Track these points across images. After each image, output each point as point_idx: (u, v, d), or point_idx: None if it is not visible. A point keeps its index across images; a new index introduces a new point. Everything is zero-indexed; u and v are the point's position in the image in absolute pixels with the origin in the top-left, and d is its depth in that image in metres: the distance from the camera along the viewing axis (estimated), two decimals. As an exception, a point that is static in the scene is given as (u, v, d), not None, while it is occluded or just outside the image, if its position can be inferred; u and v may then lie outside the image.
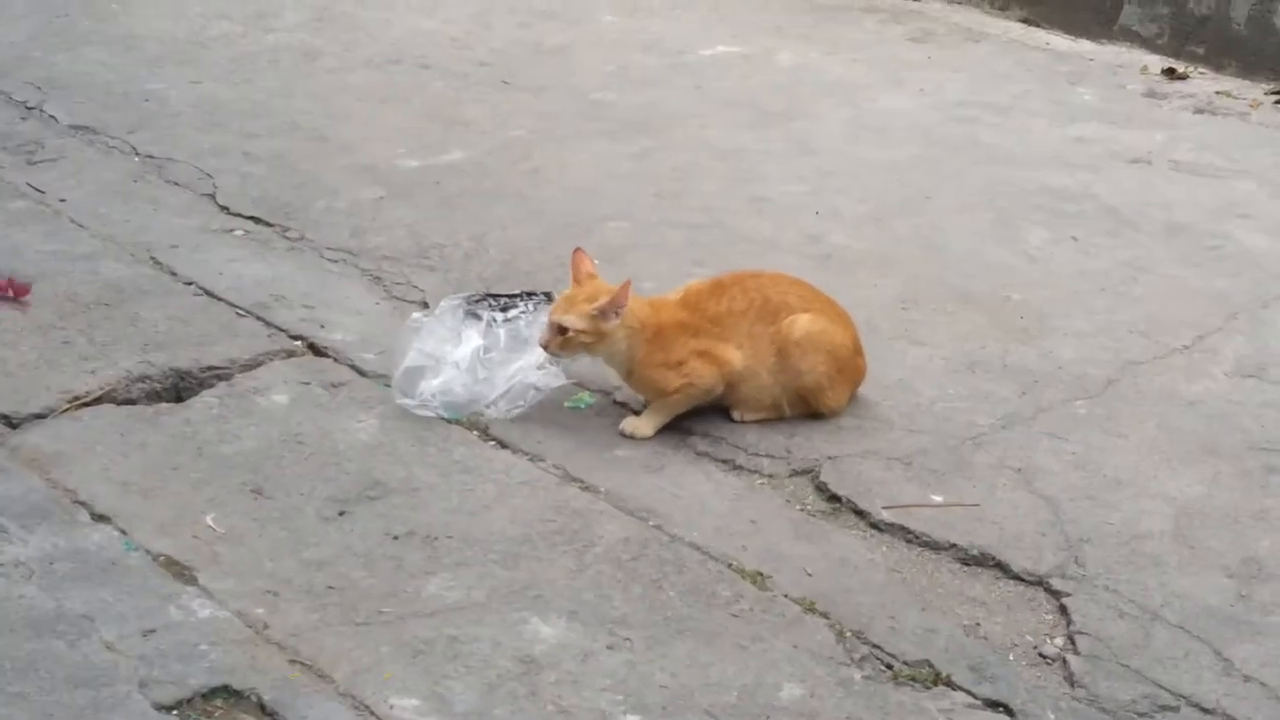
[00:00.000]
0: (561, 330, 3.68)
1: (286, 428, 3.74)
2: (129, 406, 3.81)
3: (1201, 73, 6.73)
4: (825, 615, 3.18)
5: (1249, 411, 4.00)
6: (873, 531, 3.49)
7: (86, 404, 3.78)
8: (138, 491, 3.46)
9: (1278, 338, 4.40)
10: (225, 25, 6.78)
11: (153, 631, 3.00)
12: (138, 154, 5.35)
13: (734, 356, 3.77)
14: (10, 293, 4.24)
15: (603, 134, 5.76)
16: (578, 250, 3.83)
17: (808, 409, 3.85)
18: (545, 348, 3.73)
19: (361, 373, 4.00)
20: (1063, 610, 3.24)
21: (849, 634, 3.13)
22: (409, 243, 4.75)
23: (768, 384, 3.80)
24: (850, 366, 3.86)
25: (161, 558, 3.23)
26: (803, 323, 3.78)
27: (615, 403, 3.94)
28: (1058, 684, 3.04)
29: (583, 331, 3.68)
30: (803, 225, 5.02)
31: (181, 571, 3.20)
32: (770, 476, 3.67)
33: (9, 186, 5.01)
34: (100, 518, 3.35)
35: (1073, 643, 3.14)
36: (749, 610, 3.18)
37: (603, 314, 3.67)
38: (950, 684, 3.02)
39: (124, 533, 3.30)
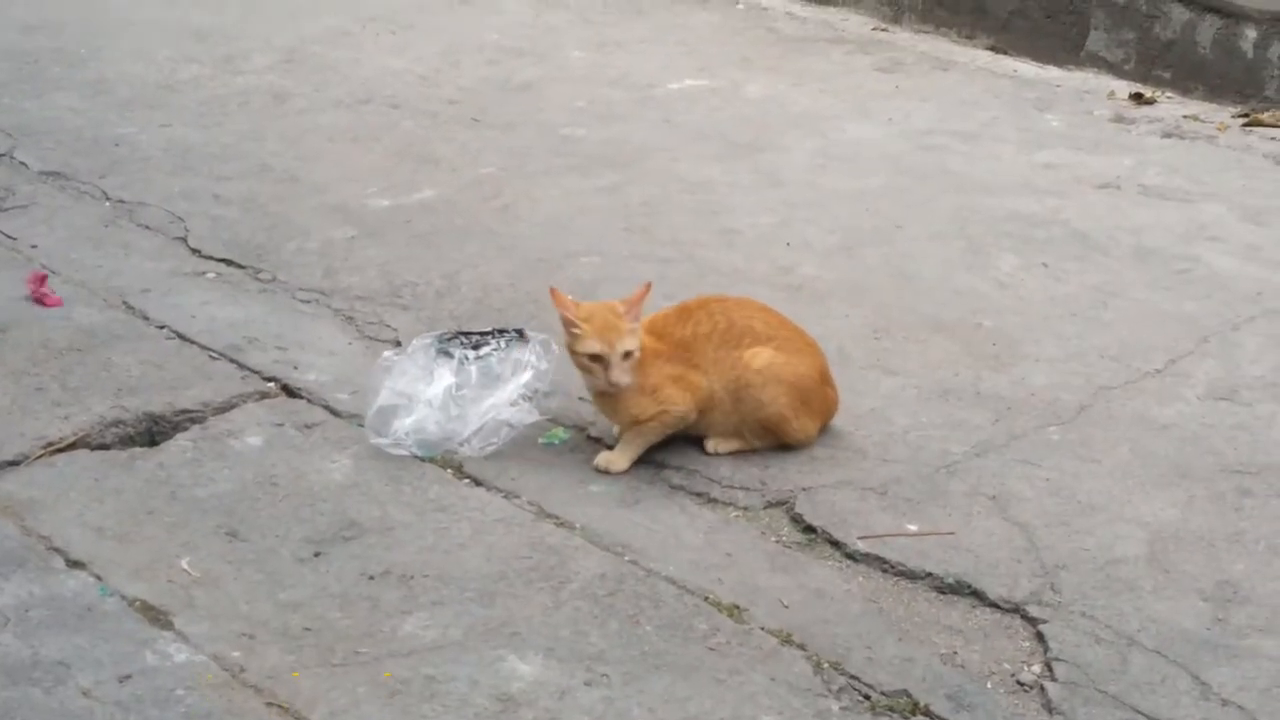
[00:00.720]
0: (627, 355, 3.66)
1: (261, 469, 3.73)
2: (103, 451, 3.80)
3: (1169, 97, 6.77)
4: (802, 647, 3.18)
5: (1221, 434, 4.02)
6: (848, 562, 3.49)
7: (60, 450, 3.77)
8: (113, 536, 3.45)
9: (1249, 360, 4.42)
10: (194, 68, 6.79)
11: (129, 677, 2.99)
12: (109, 199, 5.35)
13: (704, 381, 3.77)
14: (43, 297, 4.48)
15: (572, 169, 5.77)
16: (553, 289, 3.76)
17: (775, 440, 3.85)
18: (623, 383, 3.68)
19: (335, 413, 3.99)
20: (1039, 637, 3.24)
21: (826, 665, 3.13)
22: (381, 282, 4.76)
23: (730, 411, 3.81)
24: (818, 397, 3.86)
25: (137, 602, 3.22)
26: (764, 355, 3.78)
27: (589, 438, 3.94)
28: (1036, 711, 3.04)
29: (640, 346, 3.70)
30: (773, 256, 5.03)
31: (157, 616, 3.19)
32: (745, 509, 3.67)
33: (-21, 234, 5.01)
34: (75, 564, 3.34)
35: (1050, 670, 3.14)
36: (726, 643, 3.17)
37: (635, 320, 3.68)
38: (928, 713, 3.02)
39: (99, 578, 3.29)
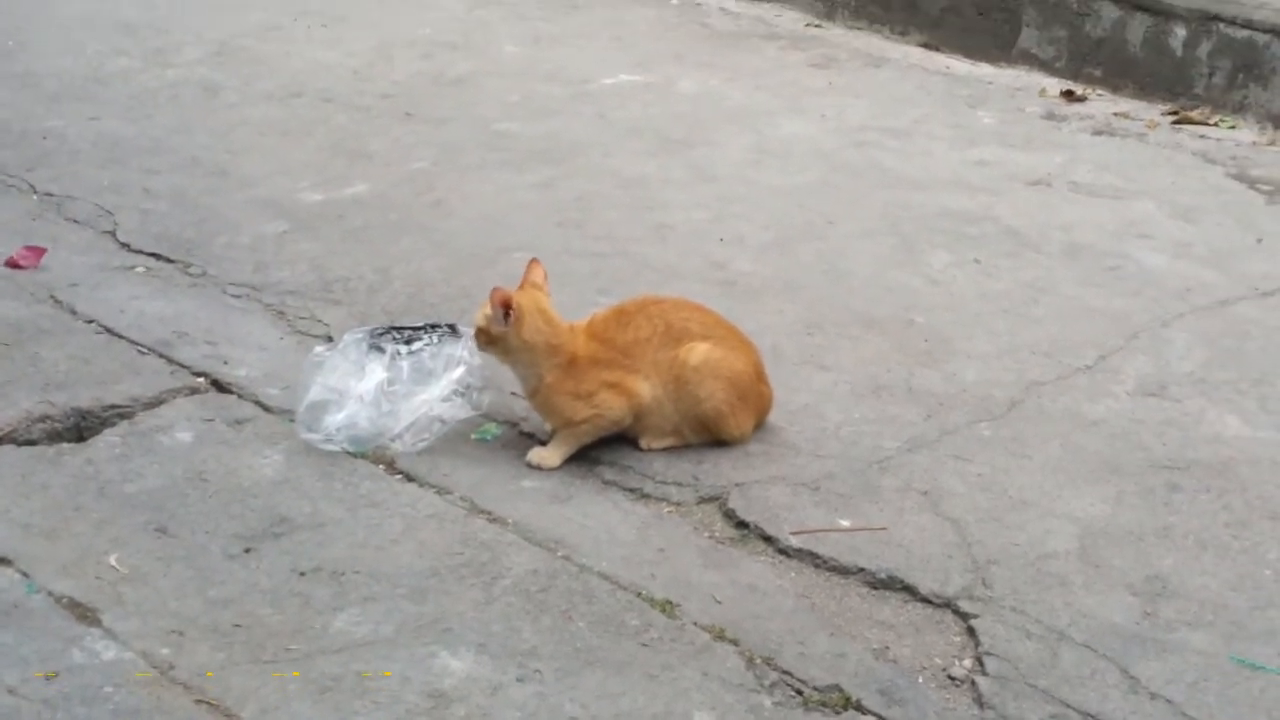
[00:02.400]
0: (478, 330, 3.76)
1: (190, 465, 3.69)
2: (30, 447, 3.75)
3: (1099, 94, 6.83)
4: (735, 642, 3.18)
5: (1151, 430, 4.05)
6: (781, 557, 3.49)
7: (-14, 446, 3.73)
8: (40, 533, 3.41)
9: (1178, 356, 4.45)
10: (124, 61, 6.73)
11: (56, 675, 2.95)
12: (36, 192, 5.28)
13: (643, 389, 3.77)
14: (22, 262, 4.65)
15: (506, 164, 5.75)
16: (533, 260, 3.84)
17: (711, 436, 3.86)
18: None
19: (266, 408, 3.96)
20: (971, 632, 3.25)
21: (759, 660, 3.13)
22: (312, 277, 4.73)
23: (671, 412, 3.81)
24: (753, 394, 3.87)
25: (64, 599, 3.18)
26: (701, 350, 3.79)
27: (522, 434, 3.93)
28: (967, 706, 3.05)
29: (479, 330, 3.74)
30: (707, 252, 5.03)
31: (85, 613, 3.15)
32: (678, 504, 3.66)
33: (-96, 226, 4.94)
34: (1, 560, 3.29)
35: (981, 664, 3.15)
36: (658, 639, 3.17)
37: (491, 318, 3.70)
38: (860, 708, 3.02)
39: (26, 575, 3.25)
